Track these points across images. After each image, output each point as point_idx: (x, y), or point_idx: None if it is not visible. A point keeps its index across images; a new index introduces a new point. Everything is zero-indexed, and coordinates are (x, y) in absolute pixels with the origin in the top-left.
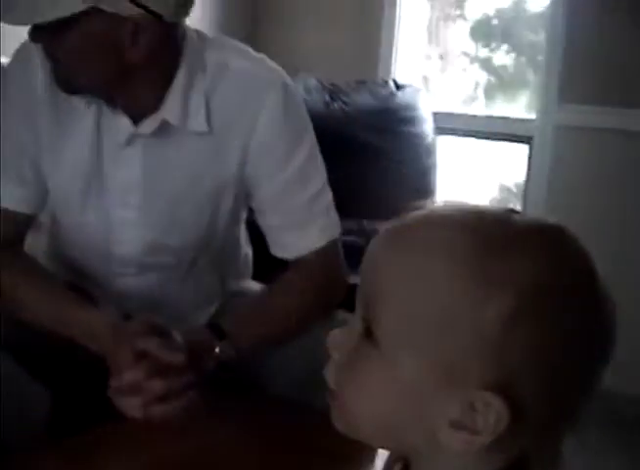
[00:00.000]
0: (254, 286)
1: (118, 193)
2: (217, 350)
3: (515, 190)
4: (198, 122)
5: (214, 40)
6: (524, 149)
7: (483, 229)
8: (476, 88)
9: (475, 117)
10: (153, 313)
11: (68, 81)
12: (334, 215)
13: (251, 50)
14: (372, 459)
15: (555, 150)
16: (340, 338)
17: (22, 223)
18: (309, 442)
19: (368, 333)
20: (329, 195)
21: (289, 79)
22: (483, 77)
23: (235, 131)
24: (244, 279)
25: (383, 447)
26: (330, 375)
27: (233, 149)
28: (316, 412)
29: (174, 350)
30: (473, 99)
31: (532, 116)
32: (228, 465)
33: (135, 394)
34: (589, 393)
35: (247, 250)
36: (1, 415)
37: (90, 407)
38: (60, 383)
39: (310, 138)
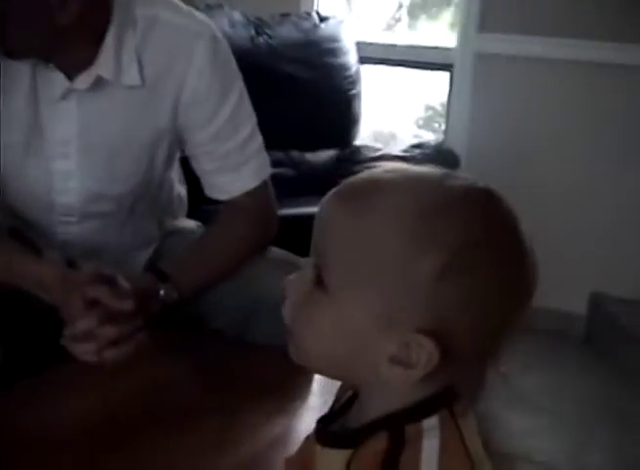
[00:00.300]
0: (190, 224)
1: (57, 145)
2: (162, 293)
3: (439, 108)
4: (130, 76)
5: None
6: (445, 76)
7: (420, 193)
8: (399, 9)
9: (396, 46)
10: (94, 258)
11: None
12: (265, 157)
13: (179, 3)
14: (308, 386)
15: (475, 77)
16: (295, 281)
17: None
18: (248, 373)
19: (319, 279)
20: (259, 137)
21: (216, 30)
22: None
23: (167, 83)
24: (179, 218)
25: (333, 378)
26: (286, 314)
27: (165, 100)
28: (253, 345)
29: (123, 297)
30: (397, 20)
31: (454, 42)
32: (172, 399)
33: (88, 340)
34: (509, 333)
35: (181, 189)
36: None
37: (41, 353)
38: (9, 330)
39: (239, 85)
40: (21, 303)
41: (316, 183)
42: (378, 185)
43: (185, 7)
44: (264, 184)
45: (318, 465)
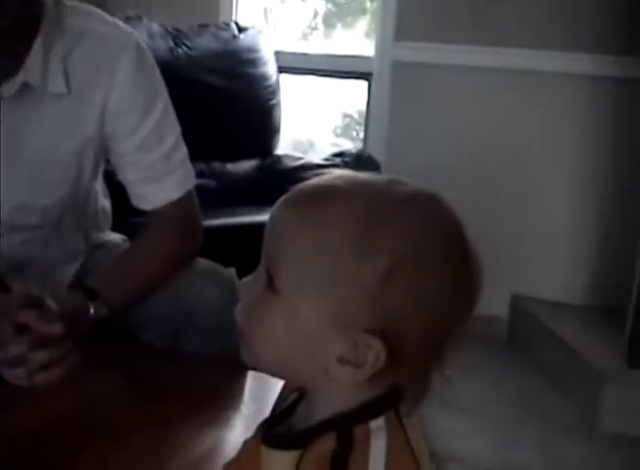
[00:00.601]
0: (115, 237)
1: None
2: (91, 311)
3: (357, 117)
4: (57, 84)
5: (71, 7)
6: (363, 84)
7: (366, 200)
8: (315, 17)
9: (314, 55)
10: (20, 272)
11: None
12: (189, 167)
13: (104, 14)
14: (240, 395)
15: (393, 85)
16: (248, 284)
17: None
18: (179, 384)
19: (270, 282)
20: (184, 148)
21: (141, 40)
22: (322, 7)
23: (93, 92)
24: (105, 231)
25: (283, 379)
26: (239, 316)
27: (91, 109)
28: (184, 355)
29: (52, 320)
30: (313, 29)
31: (371, 51)
32: (104, 414)
33: (19, 365)
34: (454, 337)
35: (105, 202)
36: None
37: None
38: None
39: (164, 95)
40: None
41: (238, 194)
42: (326, 192)
43: (111, 18)
44: (189, 195)
45: (265, 467)
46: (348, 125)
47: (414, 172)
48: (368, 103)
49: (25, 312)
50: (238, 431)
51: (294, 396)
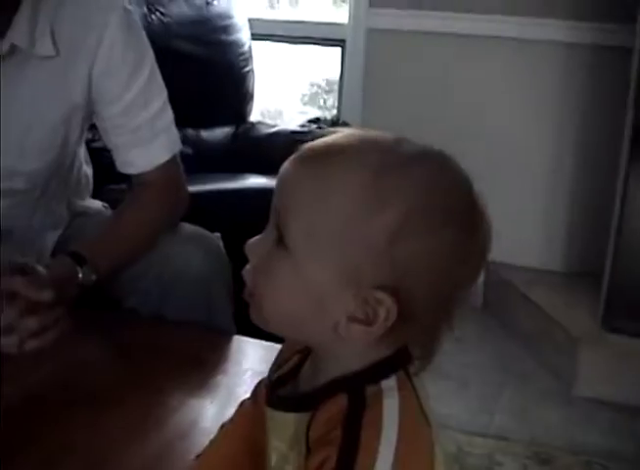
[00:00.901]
0: (96, 204)
1: None
2: (80, 276)
3: (324, 85)
4: (44, 47)
5: None
6: (333, 51)
7: (375, 157)
8: None
9: (287, 21)
10: (3, 239)
11: None
12: (175, 131)
13: None
14: (227, 359)
15: (367, 52)
16: (256, 244)
17: None
18: (169, 349)
19: (280, 240)
20: (170, 112)
21: (127, 3)
22: None
23: (80, 55)
24: (85, 198)
25: (292, 338)
26: (247, 276)
27: (79, 73)
28: (170, 322)
29: (41, 286)
30: None
31: (344, 18)
32: (95, 378)
33: (10, 333)
34: (463, 295)
35: (87, 169)
36: None
37: None
38: None
39: (150, 59)
40: None
41: (213, 160)
42: (336, 149)
43: None
44: (174, 159)
45: (271, 429)
46: (316, 93)
47: None
48: (342, 70)
49: (13, 279)
50: (226, 396)
51: (295, 358)
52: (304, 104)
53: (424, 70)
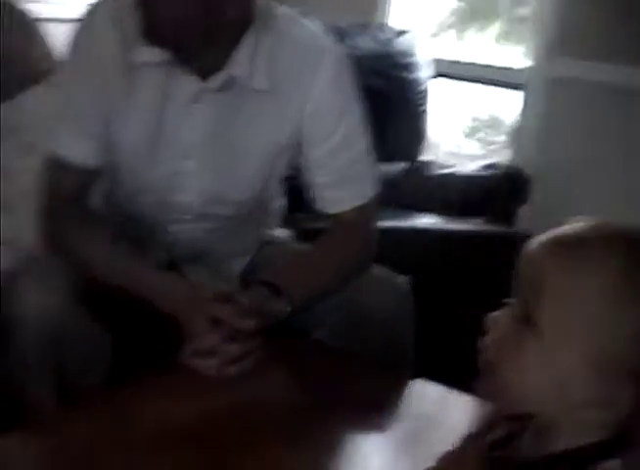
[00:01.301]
0: (283, 234)
1: (183, 145)
2: (276, 308)
3: (488, 120)
4: (261, 80)
5: (280, 9)
6: (517, 95)
7: (624, 248)
8: (452, 15)
9: (469, 64)
10: (196, 262)
11: (156, 30)
12: (374, 175)
13: (309, 22)
14: (400, 405)
15: (547, 100)
16: (499, 318)
17: (88, 177)
18: (352, 382)
19: (527, 318)
20: (372, 153)
21: (341, 48)
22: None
23: (293, 94)
24: (273, 228)
25: (523, 412)
26: (488, 349)
27: (291, 110)
28: (355, 356)
29: (244, 315)
30: (448, 27)
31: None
32: (278, 413)
33: (211, 356)
34: None
35: (281, 200)
36: (64, 359)
37: (146, 354)
38: (118, 329)
39: (358, 103)
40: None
41: (383, 195)
42: (584, 239)
43: (314, 26)
44: (371, 202)
45: None
46: (476, 128)
47: (564, 192)
48: (522, 114)
49: (222, 307)
50: (410, 438)
51: (513, 424)
52: (466, 136)
53: (605, 124)
